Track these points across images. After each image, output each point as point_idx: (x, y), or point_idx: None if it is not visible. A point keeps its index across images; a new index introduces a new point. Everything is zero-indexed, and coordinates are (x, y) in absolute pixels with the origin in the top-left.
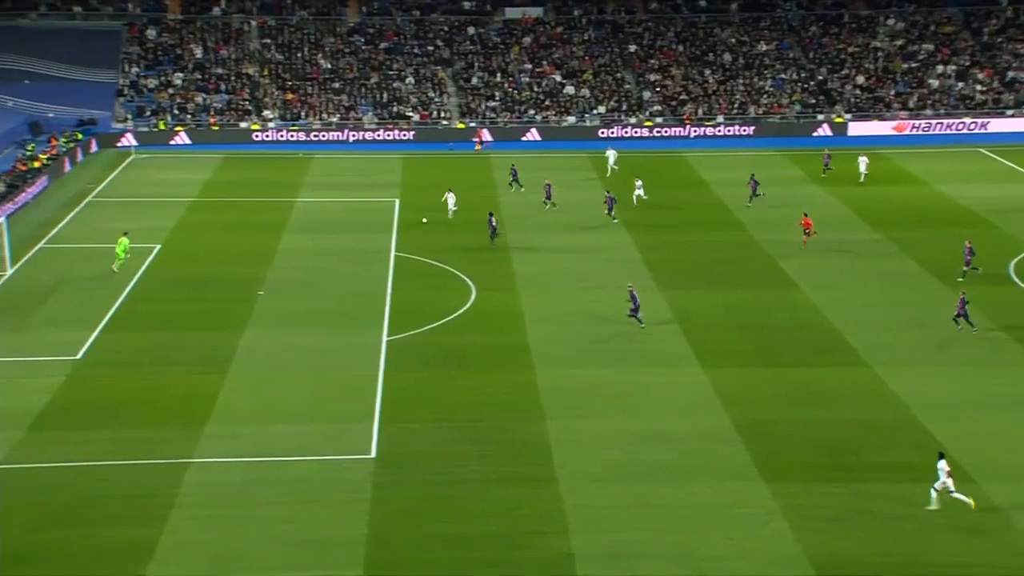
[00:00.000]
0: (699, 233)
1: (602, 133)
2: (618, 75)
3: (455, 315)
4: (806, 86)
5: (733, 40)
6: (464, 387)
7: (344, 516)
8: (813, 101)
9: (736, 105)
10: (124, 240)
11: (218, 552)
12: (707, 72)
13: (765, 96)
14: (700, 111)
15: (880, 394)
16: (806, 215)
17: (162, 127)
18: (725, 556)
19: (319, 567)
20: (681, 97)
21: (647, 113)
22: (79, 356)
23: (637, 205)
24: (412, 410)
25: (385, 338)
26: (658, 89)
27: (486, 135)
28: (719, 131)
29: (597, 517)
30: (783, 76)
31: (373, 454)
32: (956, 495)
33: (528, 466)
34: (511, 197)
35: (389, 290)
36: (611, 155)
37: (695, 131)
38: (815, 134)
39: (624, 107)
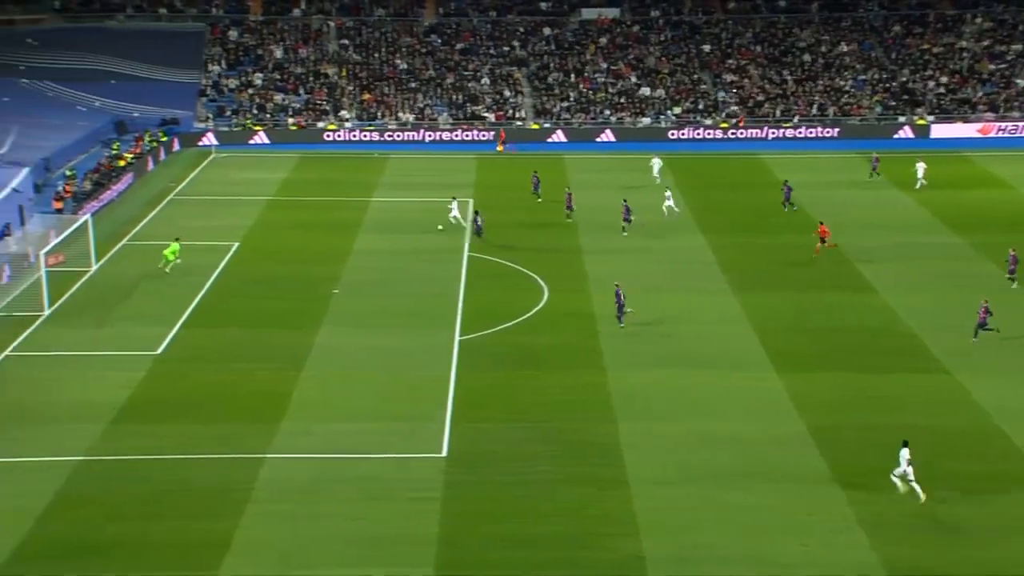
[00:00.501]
0: (774, 236)
1: (672, 135)
2: (694, 76)
3: (527, 315)
4: (888, 87)
5: (813, 40)
6: (535, 387)
7: (415, 514)
8: (894, 103)
9: (815, 106)
10: (175, 245)
11: (291, 548)
12: (785, 73)
13: (845, 97)
14: (777, 112)
15: (960, 401)
16: (822, 223)
17: (250, 125)
18: (798, 562)
19: (390, 564)
20: (758, 98)
21: (723, 114)
22: (159, 351)
23: (669, 216)
24: (484, 410)
25: (458, 338)
26: (735, 90)
27: (505, 135)
28: (799, 133)
29: (668, 520)
30: (863, 77)
31: (444, 453)
32: (913, 484)
33: (598, 467)
34: (587, 198)
35: (462, 290)
36: (656, 164)
37: (773, 133)
38: (896, 136)
39: (700, 108)
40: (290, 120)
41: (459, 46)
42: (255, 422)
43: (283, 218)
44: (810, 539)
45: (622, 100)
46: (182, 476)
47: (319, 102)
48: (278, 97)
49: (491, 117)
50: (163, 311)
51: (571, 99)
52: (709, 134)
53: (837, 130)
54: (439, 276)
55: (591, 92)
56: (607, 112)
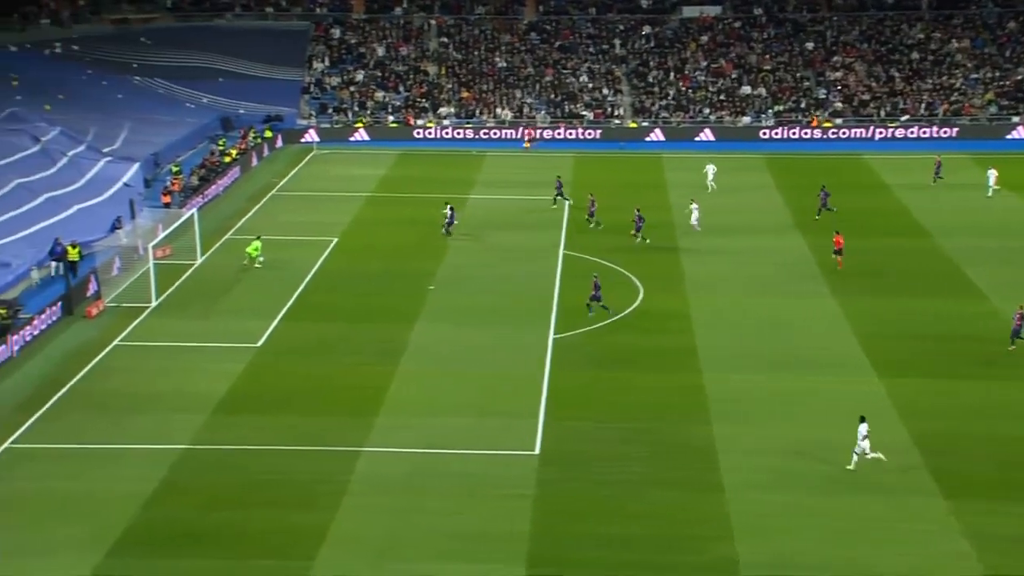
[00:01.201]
0: (878, 238)
1: (763, 134)
2: (797, 74)
3: (622, 315)
4: (1002, 86)
5: (922, 37)
6: (629, 387)
7: (507, 511)
8: (1008, 102)
9: (923, 105)
10: (257, 242)
11: (386, 541)
12: (893, 71)
13: (955, 95)
14: (883, 112)
15: None
16: (838, 232)
17: (361, 124)
18: (899, 573)
19: (482, 560)
20: (863, 97)
21: (826, 113)
22: (259, 344)
23: (700, 228)
24: (577, 409)
25: (552, 336)
26: (839, 88)
27: (535, 133)
28: (910, 133)
29: (763, 525)
30: (976, 76)
31: (537, 451)
32: (871, 455)
33: (693, 470)
34: (685, 198)
35: (557, 288)
36: (710, 170)
37: (880, 132)
38: (1008, 137)
39: (802, 106)
40: (390, 117)
41: (558, 44)
42: (352, 416)
43: (381, 214)
44: (911, 548)
45: (722, 98)
46: (280, 467)
47: (419, 99)
48: (379, 94)
49: (589, 115)
50: (263, 305)
51: (670, 97)
52: (807, 133)
53: (954, 130)
54: (534, 274)
55: (690, 90)
56: (706, 111)
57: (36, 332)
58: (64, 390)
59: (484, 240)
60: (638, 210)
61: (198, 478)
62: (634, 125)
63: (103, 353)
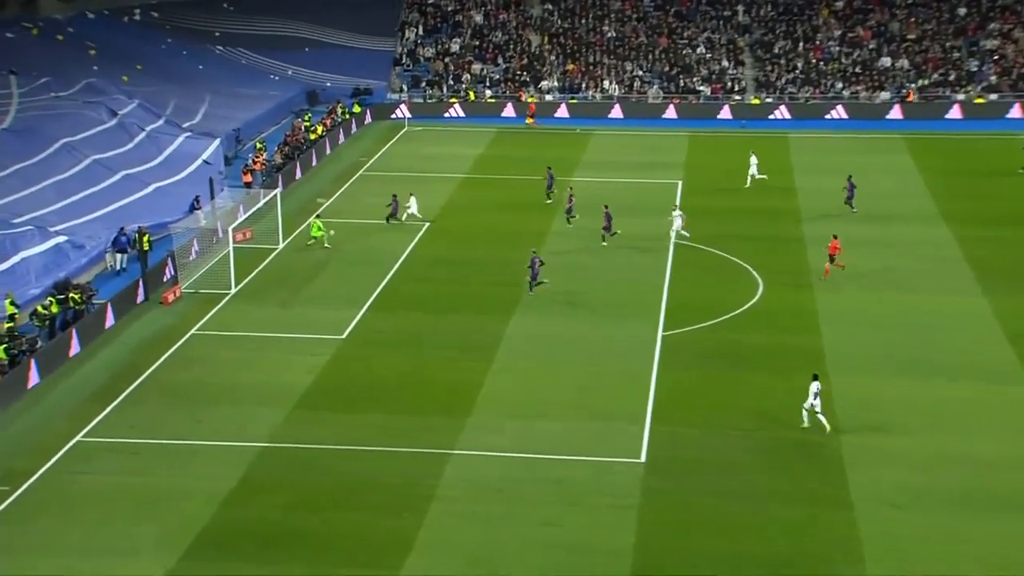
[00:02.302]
0: None
1: (913, 112)
2: (946, 44)
3: (739, 311)
4: None
5: None
6: (746, 391)
7: (610, 522)
8: None
9: None
10: (318, 222)
11: (478, 551)
12: None
13: None
14: None
15: None
16: (835, 237)
17: (472, 97)
18: None
19: (583, 574)
20: (1023, 70)
21: (978, 88)
22: (344, 336)
23: (676, 238)
24: (687, 412)
25: (661, 332)
26: (995, 58)
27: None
28: None
29: (897, 547)
30: None
31: (643, 458)
32: (819, 416)
33: (817, 484)
34: (812, 183)
35: (667, 281)
36: (753, 161)
37: None
38: None
39: (951, 80)
40: (488, 92)
41: (674, 10)
42: (442, 415)
43: (477, 197)
44: None
45: (858, 71)
46: (364, 468)
47: (519, 72)
48: (476, 66)
49: (707, 90)
50: (349, 293)
51: (798, 70)
52: (952, 112)
53: None
54: (642, 264)
55: (822, 63)
56: (839, 85)
57: (112, 318)
58: (139, 380)
59: (588, 227)
60: (606, 207)
61: (278, 478)
62: (757, 101)
63: (180, 342)
